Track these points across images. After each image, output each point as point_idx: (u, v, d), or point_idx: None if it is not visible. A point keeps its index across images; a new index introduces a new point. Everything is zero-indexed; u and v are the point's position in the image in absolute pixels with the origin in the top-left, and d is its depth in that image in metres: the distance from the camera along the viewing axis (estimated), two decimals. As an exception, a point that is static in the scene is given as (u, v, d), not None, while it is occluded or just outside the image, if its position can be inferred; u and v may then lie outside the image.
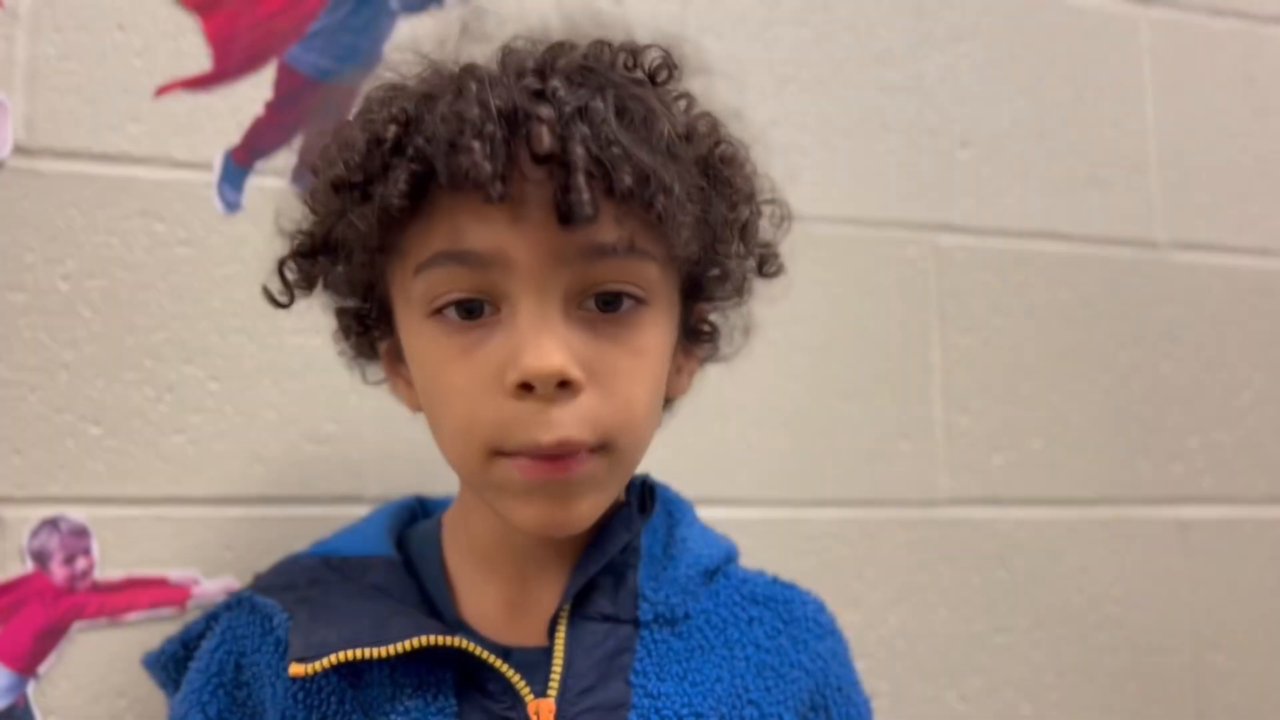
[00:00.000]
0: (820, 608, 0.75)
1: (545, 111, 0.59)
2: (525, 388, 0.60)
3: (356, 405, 0.89)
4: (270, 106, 0.90)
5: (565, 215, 0.59)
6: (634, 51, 0.66)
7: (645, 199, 0.60)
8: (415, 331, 0.65)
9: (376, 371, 0.79)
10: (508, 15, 0.69)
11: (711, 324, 0.76)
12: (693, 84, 0.71)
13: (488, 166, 0.58)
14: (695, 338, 0.74)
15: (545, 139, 0.59)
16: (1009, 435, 1.06)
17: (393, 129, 0.61)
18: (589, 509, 0.64)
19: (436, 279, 0.62)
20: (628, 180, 0.59)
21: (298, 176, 0.90)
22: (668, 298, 0.66)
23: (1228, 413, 1.13)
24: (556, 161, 0.59)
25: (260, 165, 0.89)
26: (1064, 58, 1.13)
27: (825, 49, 1.06)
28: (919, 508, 1.02)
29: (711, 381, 0.88)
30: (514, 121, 0.59)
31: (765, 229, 0.74)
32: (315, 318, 0.88)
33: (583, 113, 0.60)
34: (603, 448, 0.62)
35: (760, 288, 0.81)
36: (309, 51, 0.91)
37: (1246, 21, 1.19)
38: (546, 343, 0.60)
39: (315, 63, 0.91)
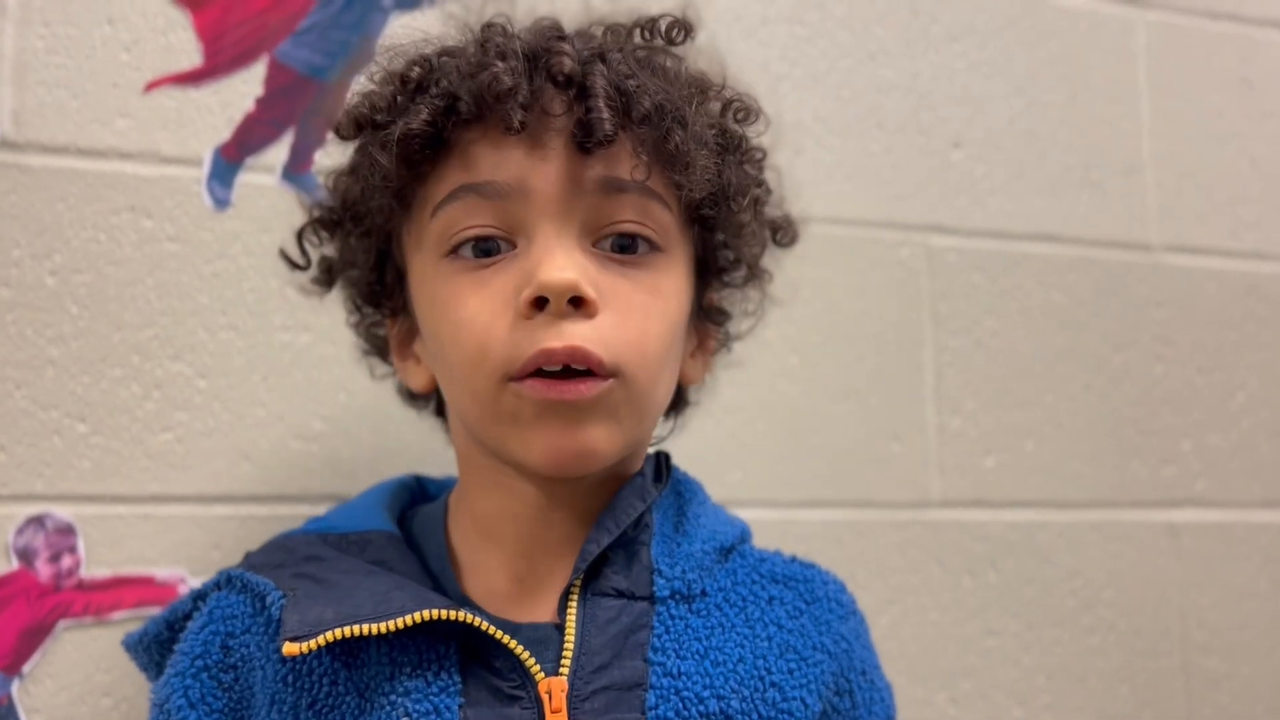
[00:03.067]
0: (841, 588, 0.73)
1: (566, 47, 0.63)
2: (538, 305, 0.61)
3: (346, 403, 0.89)
4: (261, 103, 0.89)
5: (584, 139, 0.62)
6: (648, 24, 0.69)
7: (662, 129, 0.63)
8: (430, 276, 0.66)
9: (382, 365, 0.80)
10: (517, 13, 0.72)
11: (723, 310, 0.76)
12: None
13: (508, 80, 0.61)
14: (709, 319, 0.74)
15: (567, 64, 0.62)
16: (1001, 437, 1.06)
17: (416, 70, 0.65)
18: (602, 439, 0.63)
19: (455, 213, 0.64)
20: (646, 105, 0.62)
21: (289, 173, 0.89)
22: (682, 253, 0.68)
23: (1221, 416, 1.13)
24: (576, 88, 0.62)
25: (250, 162, 0.89)
26: (1059, 59, 1.12)
27: (819, 47, 1.05)
28: (910, 509, 1.02)
29: (704, 382, 0.88)
30: (536, 59, 0.63)
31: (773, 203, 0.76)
32: (305, 315, 0.88)
33: (601, 56, 0.64)
34: (616, 375, 0.62)
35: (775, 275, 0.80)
36: (300, 47, 0.90)
37: (1242, 25, 1.19)
38: (561, 258, 0.61)
39: (306, 59, 0.91)
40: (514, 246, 0.64)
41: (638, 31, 0.69)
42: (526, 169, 0.63)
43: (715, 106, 0.70)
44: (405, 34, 0.70)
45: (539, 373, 0.62)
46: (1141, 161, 1.14)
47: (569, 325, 0.61)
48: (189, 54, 0.88)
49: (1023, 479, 1.06)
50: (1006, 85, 1.11)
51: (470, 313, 0.63)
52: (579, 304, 0.61)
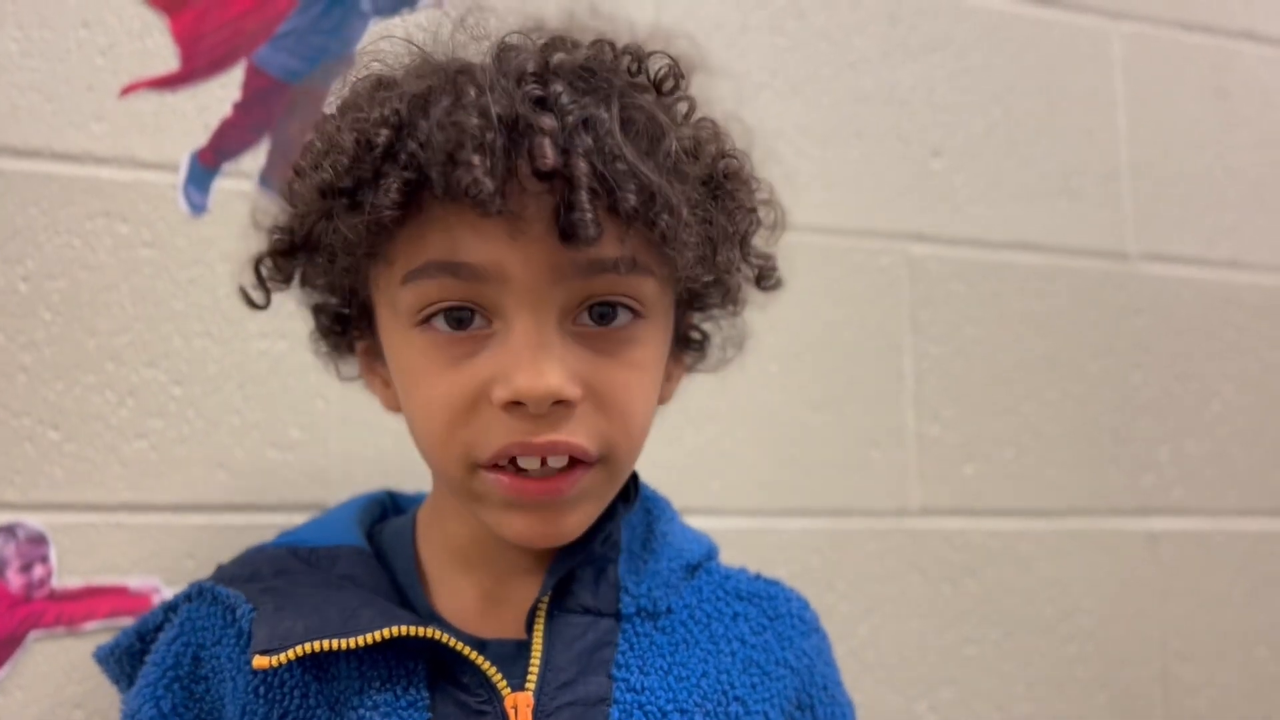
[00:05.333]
0: (804, 604, 0.74)
1: (548, 122, 0.57)
2: (514, 405, 0.59)
3: (322, 411, 0.88)
4: (238, 107, 0.89)
5: (567, 234, 0.57)
6: (638, 57, 0.63)
7: (649, 218, 0.59)
8: (400, 340, 0.63)
9: (350, 368, 0.77)
10: (503, 9, 0.67)
11: (702, 332, 0.76)
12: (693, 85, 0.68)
13: (489, 184, 0.56)
14: (685, 345, 0.74)
15: (549, 154, 0.57)
16: (980, 445, 1.06)
17: (384, 133, 0.59)
18: (580, 521, 0.63)
19: (426, 289, 0.60)
20: (632, 200, 0.58)
21: (266, 179, 0.89)
22: (664, 312, 0.65)
23: (1198, 424, 1.14)
24: (560, 177, 0.57)
25: (227, 167, 0.88)
26: (1036, 69, 1.13)
27: (799, 57, 1.05)
28: (890, 518, 1.02)
29: (684, 391, 0.87)
30: (515, 131, 0.57)
31: (761, 236, 0.73)
32: (281, 322, 0.87)
33: (587, 124, 0.58)
34: (600, 460, 0.62)
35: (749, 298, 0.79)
36: (278, 52, 0.90)
37: (1216, 35, 1.20)
38: (543, 361, 0.58)
39: (285, 64, 0.90)
40: (489, 322, 0.60)
41: (626, 60, 0.63)
42: (505, 254, 0.58)
43: (707, 162, 0.65)
44: (376, 49, 0.65)
45: (513, 462, 0.60)
46: (1118, 171, 1.15)
47: (548, 423, 0.59)
48: (166, 58, 0.87)
49: (1002, 487, 1.06)
50: (985, 95, 1.11)
51: (440, 394, 0.60)
52: (560, 403, 0.59)
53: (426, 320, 0.61)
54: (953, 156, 1.09)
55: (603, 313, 0.61)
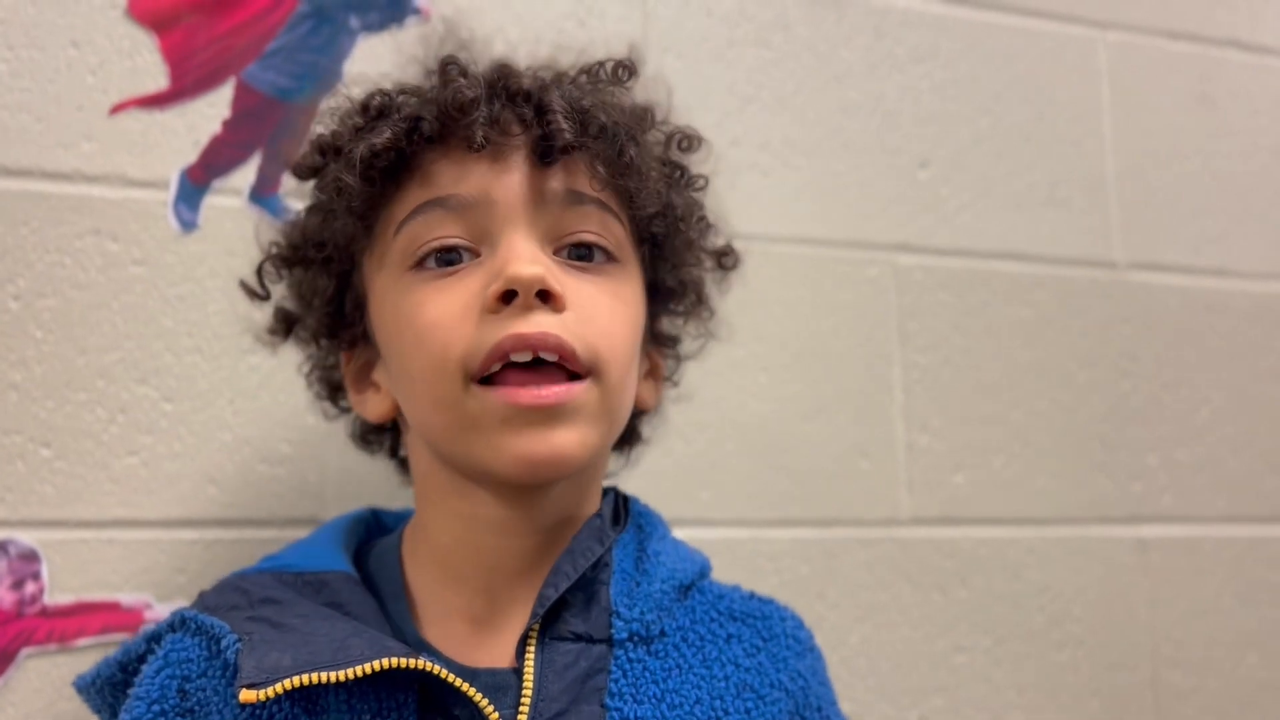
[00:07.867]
0: (799, 624, 0.73)
1: (523, 71, 0.68)
2: (505, 299, 0.62)
3: (313, 426, 0.88)
4: (228, 125, 0.89)
5: (545, 150, 0.64)
6: (593, 69, 0.71)
7: (616, 145, 0.66)
8: (394, 290, 0.66)
9: (334, 409, 0.80)
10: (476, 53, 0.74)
11: (674, 336, 0.78)
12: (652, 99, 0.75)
13: (470, 93, 0.64)
14: (659, 344, 0.76)
15: (525, 82, 0.66)
16: (969, 454, 1.06)
17: (378, 98, 0.68)
18: (575, 441, 0.63)
19: (419, 227, 0.65)
20: (601, 119, 0.65)
21: (256, 195, 0.89)
22: (636, 268, 0.70)
23: (1187, 431, 1.14)
24: (535, 106, 0.65)
25: (217, 184, 0.89)
26: (1022, 79, 1.14)
27: (786, 69, 1.06)
28: (880, 527, 1.02)
29: (673, 401, 0.88)
30: (495, 85, 0.66)
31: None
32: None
33: (556, 84, 0.68)
34: (590, 372, 0.63)
35: (720, 304, 0.81)
36: (267, 70, 0.90)
37: (1202, 44, 1.21)
38: (528, 253, 0.63)
39: (274, 81, 0.91)
40: (477, 256, 0.65)
41: (584, 77, 0.71)
42: (489, 181, 0.65)
43: (660, 135, 0.73)
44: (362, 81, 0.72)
45: (507, 367, 0.62)
46: (1105, 179, 1.15)
47: (538, 315, 0.62)
48: (155, 76, 0.88)
49: (991, 495, 1.06)
50: (971, 105, 1.12)
51: (434, 316, 0.64)
52: (546, 299, 0.62)
53: (419, 263, 0.65)
54: (939, 167, 1.10)
55: (580, 254, 0.66)
